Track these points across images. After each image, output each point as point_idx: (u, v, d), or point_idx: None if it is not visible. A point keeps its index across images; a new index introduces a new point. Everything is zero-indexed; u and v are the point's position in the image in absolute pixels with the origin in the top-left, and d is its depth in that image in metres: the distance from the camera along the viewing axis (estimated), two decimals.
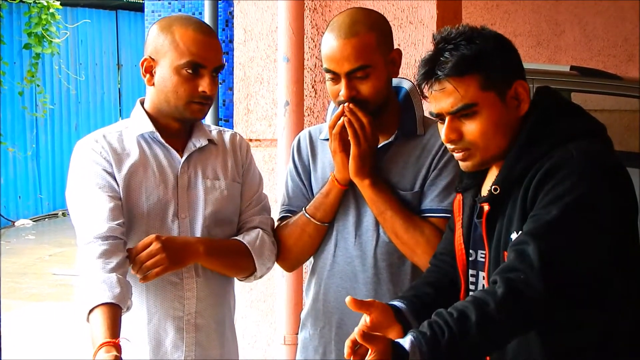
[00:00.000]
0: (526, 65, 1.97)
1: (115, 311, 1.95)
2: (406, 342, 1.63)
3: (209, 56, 2.18)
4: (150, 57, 2.20)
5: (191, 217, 2.23)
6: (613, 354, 1.77)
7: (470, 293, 1.91)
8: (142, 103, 2.28)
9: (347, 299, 1.77)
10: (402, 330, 1.83)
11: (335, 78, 2.20)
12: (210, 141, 2.31)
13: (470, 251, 1.95)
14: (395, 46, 2.28)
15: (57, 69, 11.09)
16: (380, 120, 2.24)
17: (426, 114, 2.18)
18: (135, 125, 2.25)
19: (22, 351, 5.55)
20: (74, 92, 11.59)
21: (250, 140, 3.27)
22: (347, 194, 2.29)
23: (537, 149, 1.79)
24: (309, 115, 3.19)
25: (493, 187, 1.83)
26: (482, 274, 1.91)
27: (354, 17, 2.21)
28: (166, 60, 2.17)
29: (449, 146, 1.87)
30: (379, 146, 2.26)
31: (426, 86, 1.85)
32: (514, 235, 1.77)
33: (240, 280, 2.36)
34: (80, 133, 10.83)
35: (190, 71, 2.16)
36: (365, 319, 1.84)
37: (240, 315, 3.30)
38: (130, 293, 2.04)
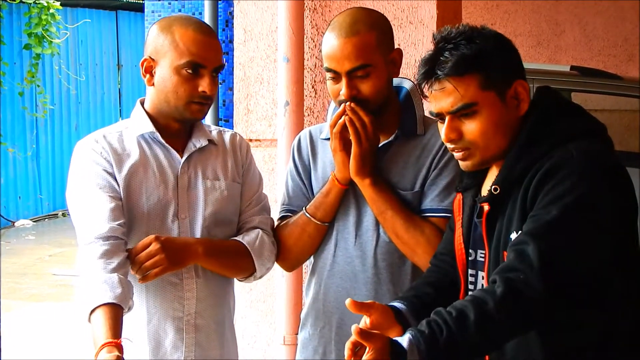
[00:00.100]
0: (526, 65, 1.97)
1: (116, 311, 1.95)
2: (404, 340, 1.63)
3: (209, 56, 2.18)
4: (150, 57, 2.20)
5: (191, 218, 2.23)
6: (613, 354, 1.77)
7: (470, 293, 1.91)
8: (142, 103, 2.28)
9: (347, 302, 1.77)
10: (402, 332, 1.82)
11: (336, 77, 2.20)
12: (211, 141, 2.31)
13: (470, 251, 1.95)
14: (396, 46, 2.28)
15: (57, 69, 11.09)
16: (381, 120, 2.24)
17: (426, 113, 2.18)
18: (136, 126, 2.25)
19: (22, 351, 5.55)
20: (74, 92, 11.59)
21: (250, 140, 3.27)
22: (348, 194, 2.29)
23: (537, 149, 1.79)
24: (309, 115, 3.19)
25: (493, 187, 1.84)
26: (481, 274, 1.91)
27: (355, 16, 2.21)
28: (166, 60, 2.17)
29: (449, 146, 1.88)
30: (380, 146, 2.26)
31: (426, 86, 1.85)
32: (513, 235, 1.77)
33: (240, 280, 2.36)
34: (80, 133, 10.83)
35: (190, 71, 2.16)
36: (365, 321, 1.84)
37: (240, 316, 3.30)
38: (132, 293, 2.04)
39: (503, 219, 1.82)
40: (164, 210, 2.20)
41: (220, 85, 5.57)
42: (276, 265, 2.42)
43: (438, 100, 1.83)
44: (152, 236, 2.10)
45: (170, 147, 2.24)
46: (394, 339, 1.64)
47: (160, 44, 2.18)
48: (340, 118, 2.20)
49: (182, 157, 2.25)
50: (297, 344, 2.49)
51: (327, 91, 2.64)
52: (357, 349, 1.66)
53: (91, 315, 1.95)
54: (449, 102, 1.81)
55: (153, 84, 2.21)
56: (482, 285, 1.90)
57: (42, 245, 9.45)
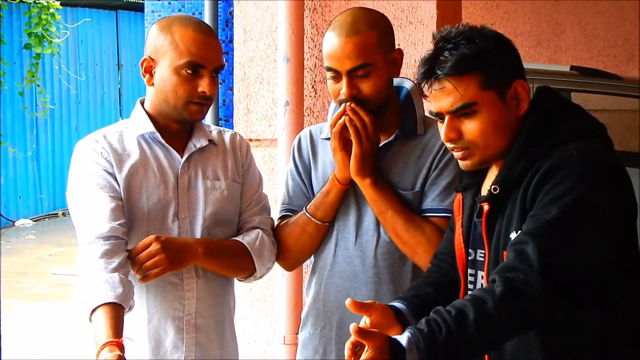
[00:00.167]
0: (526, 65, 1.97)
1: (117, 311, 1.96)
2: (403, 338, 1.63)
3: (208, 56, 2.18)
4: (149, 57, 2.20)
5: (191, 218, 2.23)
6: (613, 354, 1.77)
7: (469, 292, 1.91)
8: (142, 103, 2.28)
9: (347, 302, 1.77)
10: (402, 331, 1.81)
11: (336, 77, 2.20)
12: (211, 141, 2.31)
13: (470, 250, 1.95)
14: (396, 46, 2.29)
15: (57, 69, 11.09)
16: (381, 120, 2.24)
17: (427, 113, 2.18)
18: (136, 126, 2.25)
19: (22, 351, 5.55)
20: (74, 92, 11.59)
21: (250, 140, 3.27)
22: (348, 194, 2.29)
23: (537, 148, 1.79)
24: (309, 115, 3.19)
25: (493, 186, 1.84)
26: (481, 274, 1.91)
27: (356, 16, 2.22)
28: (166, 60, 2.17)
29: (449, 145, 1.88)
30: (380, 145, 2.26)
31: (426, 85, 1.85)
32: (513, 235, 1.77)
33: (240, 280, 2.36)
34: (80, 133, 10.84)
35: (189, 71, 2.16)
36: (365, 321, 1.84)
37: (240, 315, 3.30)
38: (132, 293, 2.04)
39: (503, 218, 1.83)
40: (164, 210, 2.20)
41: (220, 85, 5.57)
42: (276, 265, 2.42)
43: (438, 100, 1.84)
44: (152, 236, 2.10)
45: (170, 147, 2.25)
46: (393, 337, 1.64)
47: (160, 44, 2.18)
48: (340, 118, 2.20)
49: (182, 157, 2.25)
50: (297, 344, 2.49)
51: (327, 91, 2.64)
52: (357, 349, 1.66)
53: (92, 314, 1.95)
54: (448, 102, 1.82)
55: (153, 84, 2.21)
56: (482, 284, 1.90)
57: (42, 245, 9.45)
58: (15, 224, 10.59)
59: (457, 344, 1.63)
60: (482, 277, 1.90)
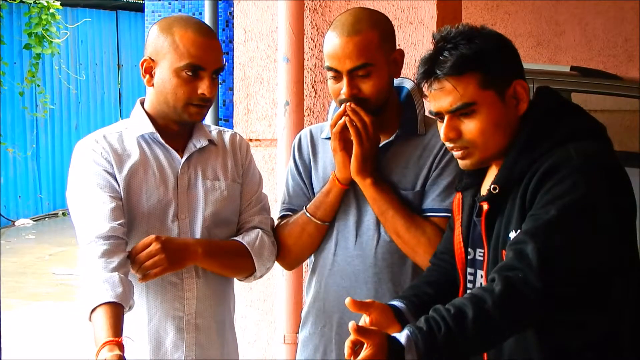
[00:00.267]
0: (526, 65, 1.97)
1: (117, 310, 1.96)
2: (402, 336, 1.63)
3: (208, 58, 2.17)
4: (150, 57, 2.20)
5: (191, 218, 2.23)
6: (613, 354, 1.77)
7: (468, 291, 1.91)
8: (142, 103, 2.28)
9: (347, 301, 1.77)
10: (401, 330, 1.83)
11: (337, 76, 2.20)
12: (210, 142, 2.31)
13: (469, 250, 1.95)
14: (396, 47, 2.29)
15: (58, 69, 11.09)
16: (382, 120, 2.24)
17: (427, 113, 2.18)
18: (136, 126, 2.25)
19: (22, 351, 5.55)
20: (74, 92, 11.59)
21: (250, 140, 3.27)
22: (348, 194, 2.29)
23: (537, 148, 1.80)
24: (309, 115, 3.19)
25: (492, 186, 1.84)
26: (480, 273, 1.92)
27: (357, 15, 2.22)
28: (166, 61, 2.17)
29: (448, 145, 1.88)
30: (380, 145, 2.27)
31: (425, 85, 1.86)
32: (512, 234, 1.77)
33: (240, 280, 2.36)
34: (80, 133, 10.83)
35: (189, 73, 2.16)
36: (364, 320, 1.84)
37: (240, 315, 3.30)
38: (132, 292, 2.04)
39: (502, 218, 1.83)
40: (164, 210, 2.20)
41: (220, 85, 5.57)
42: (276, 265, 2.42)
43: (437, 99, 1.84)
44: (152, 236, 2.10)
45: (170, 148, 2.25)
46: (392, 335, 1.64)
47: (160, 45, 2.18)
48: (341, 118, 2.21)
49: (182, 158, 2.25)
50: (297, 343, 2.49)
51: (327, 91, 2.65)
52: (356, 347, 1.66)
53: (92, 314, 1.96)
54: (448, 102, 1.82)
55: (153, 85, 2.21)
56: (481, 283, 1.90)
57: (42, 245, 9.45)
58: (15, 223, 10.59)
59: (456, 342, 1.63)
60: (482, 276, 1.90)
